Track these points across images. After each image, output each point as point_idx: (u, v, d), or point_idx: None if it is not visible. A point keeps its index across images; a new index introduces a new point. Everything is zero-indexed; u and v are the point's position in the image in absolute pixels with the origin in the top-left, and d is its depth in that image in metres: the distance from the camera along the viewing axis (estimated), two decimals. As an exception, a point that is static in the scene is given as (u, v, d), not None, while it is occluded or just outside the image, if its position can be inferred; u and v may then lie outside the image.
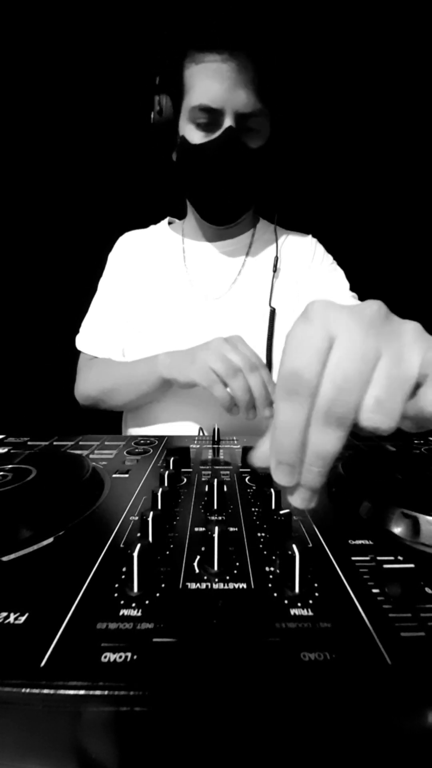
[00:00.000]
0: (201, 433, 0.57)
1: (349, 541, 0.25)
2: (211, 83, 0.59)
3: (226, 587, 0.20)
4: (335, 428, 0.21)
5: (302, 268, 0.76)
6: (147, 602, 0.19)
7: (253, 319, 0.71)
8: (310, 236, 0.81)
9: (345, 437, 0.21)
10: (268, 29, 0.59)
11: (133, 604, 0.19)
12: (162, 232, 0.83)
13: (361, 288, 0.78)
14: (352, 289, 0.76)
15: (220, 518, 0.28)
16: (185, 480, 0.36)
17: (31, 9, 0.92)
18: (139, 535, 0.25)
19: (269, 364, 0.68)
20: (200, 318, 0.73)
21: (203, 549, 0.23)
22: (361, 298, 0.76)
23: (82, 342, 0.80)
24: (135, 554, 0.20)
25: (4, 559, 0.23)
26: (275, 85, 0.61)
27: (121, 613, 0.18)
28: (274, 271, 0.70)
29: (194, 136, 0.63)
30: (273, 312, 0.69)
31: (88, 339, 0.80)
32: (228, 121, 0.59)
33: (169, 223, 0.85)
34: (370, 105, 1.01)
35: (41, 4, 0.92)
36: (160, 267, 0.78)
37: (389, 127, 1.02)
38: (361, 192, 1.07)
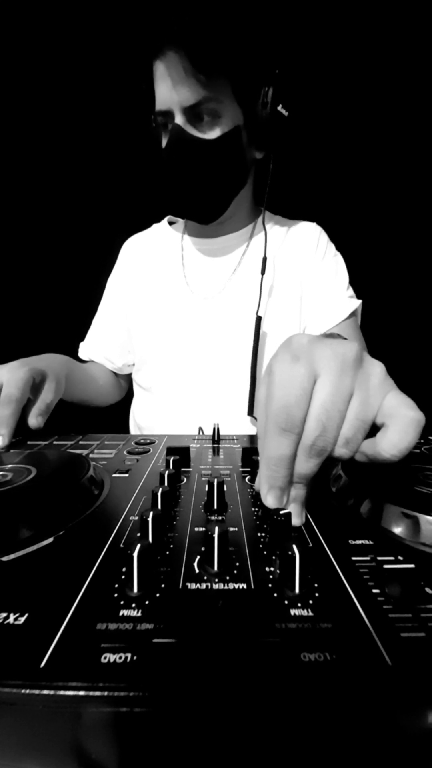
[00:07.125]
0: (201, 433, 0.57)
1: (349, 541, 0.25)
2: (159, 87, 0.59)
3: (226, 587, 0.20)
4: (317, 458, 0.25)
5: (304, 261, 0.74)
6: (147, 602, 0.19)
7: (242, 323, 0.70)
8: (314, 224, 0.79)
9: (322, 462, 0.26)
10: (196, 17, 0.54)
11: (133, 605, 0.19)
12: (163, 231, 0.83)
13: (366, 277, 0.78)
14: (356, 278, 0.75)
15: (220, 518, 0.28)
16: (185, 480, 0.36)
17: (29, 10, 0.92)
18: (139, 535, 0.25)
19: (254, 370, 0.67)
20: (194, 318, 0.73)
21: (203, 549, 0.23)
22: (364, 290, 0.75)
23: (83, 351, 0.84)
24: (135, 554, 0.20)
25: (4, 559, 0.23)
26: (224, 64, 0.56)
27: (121, 614, 0.18)
28: (263, 273, 0.68)
29: (163, 140, 0.63)
30: (258, 321, 0.68)
31: (87, 348, 0.83)
32: (176, 119, 0.59)
33: (171, 222, 0.85)
34: (369, 81, 0.97)
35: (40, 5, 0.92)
36: (159, 267, 0.78)
37: (390, 103, 0.98)
38: (366, 175, 1.03)
